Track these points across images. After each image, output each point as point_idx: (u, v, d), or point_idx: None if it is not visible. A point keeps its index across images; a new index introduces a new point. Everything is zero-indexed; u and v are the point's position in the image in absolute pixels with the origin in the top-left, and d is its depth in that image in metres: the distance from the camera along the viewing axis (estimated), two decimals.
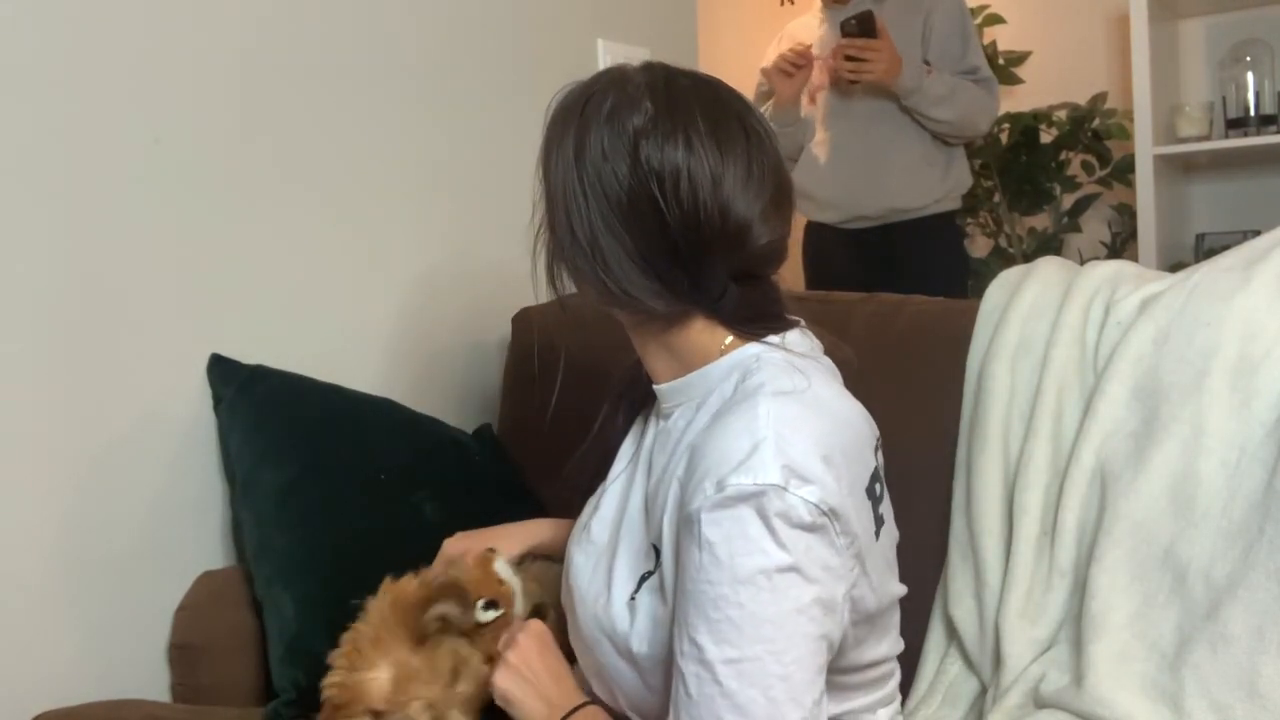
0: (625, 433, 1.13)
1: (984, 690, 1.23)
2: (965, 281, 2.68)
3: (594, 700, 1.03)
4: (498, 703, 1.05)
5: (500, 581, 1.14)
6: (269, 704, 1.29)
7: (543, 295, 1.03)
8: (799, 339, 1.01)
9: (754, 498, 0.84)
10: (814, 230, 2.69)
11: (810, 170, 2.61)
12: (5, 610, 1.24)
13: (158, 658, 1.38)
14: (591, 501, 1.12)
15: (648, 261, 0.94)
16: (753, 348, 0.97)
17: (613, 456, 1.12)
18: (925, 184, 2.55)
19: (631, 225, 0.93)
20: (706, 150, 0.92)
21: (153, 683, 1.36)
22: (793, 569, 0.85)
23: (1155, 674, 1.09)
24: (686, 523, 0.88)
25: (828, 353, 1.06)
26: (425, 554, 1.23)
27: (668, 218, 0.92)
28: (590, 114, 0.95)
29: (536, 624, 1.08)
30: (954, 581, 1.29)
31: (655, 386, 1.04)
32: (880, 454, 1.03)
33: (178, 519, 1.41)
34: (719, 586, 0.85)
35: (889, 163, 2.52)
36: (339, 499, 1.39)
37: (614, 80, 0.97)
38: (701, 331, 0.98)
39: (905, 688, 1.24)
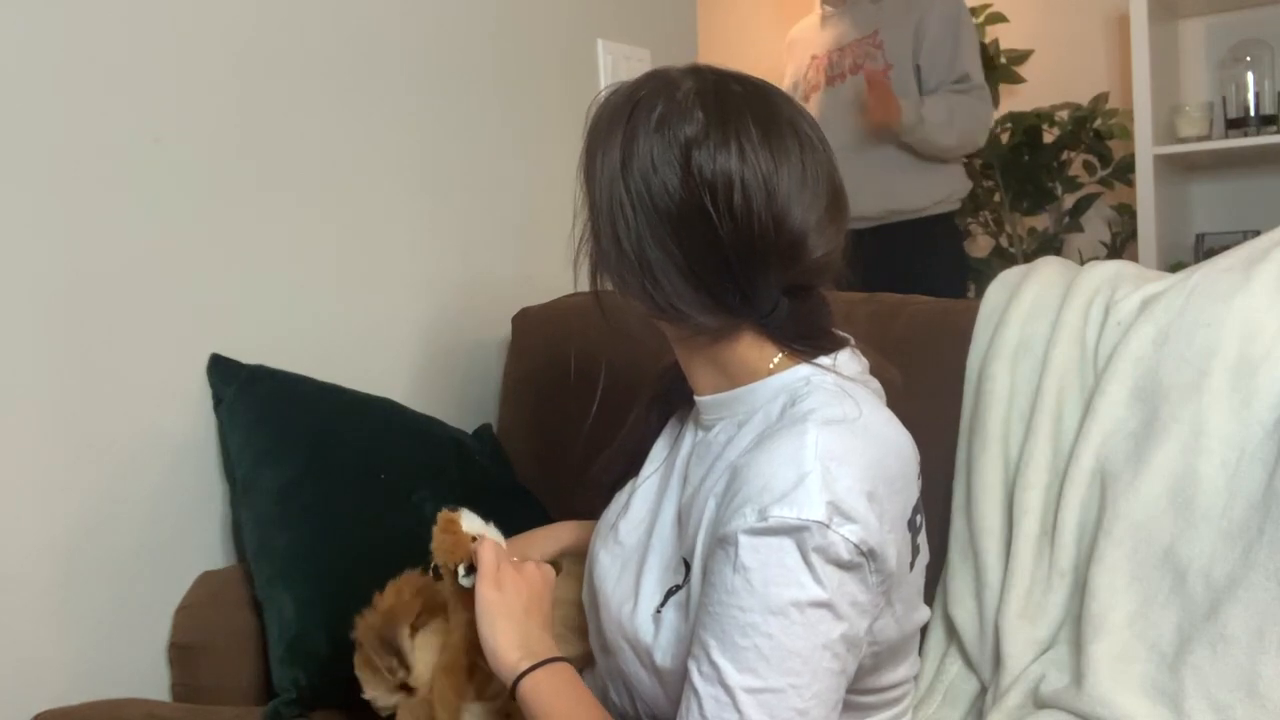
0: (657, 433, 1.11)
1: (984, 690, 1.23)
2: (964, 283, 2.68)
3: (567, 659, 1.00)
4: (477, 615, 1.01)
5: (473, 537, 1.10)
6: (269, 704, 1.29)
7: (594, 309, 1.01)
8: (849, 360, 0.99)
9: (796, 532, 0.83)
10: None
11: None
12: (5, 610, 1.24)
13: (158, 658, 1.38)
14: (619, 499, 1.10)
15: (698, 275, 0.91)
16: (802, 369, 0.95)
17: (643, 456, 1.10)
18: (925, 186, 2.54)
19: (681, 238, 0.90)
20: (760, 160, 0.89)
21: (153, 683, 1.36)
22: (826, 605, 0.84)
23: (1155, 674, 1.09)
24: (722, 543, 0.87)
25: (874, 372, 1.04)
26: (425, 554, 1.23)
27: (720, 230, 0.89)
28: (638, 121, 0.92)
29: (550, 569, 1.06)
30: (954, 581, 1.29)
31: (697, 398, 1.01)
32: (920, 479, 1.01)
33: (178, 519, 1.41)
34: (750, 614, 0.84)
35: (888, 164, 2.51)
36: (339, 499, 1.39)
37: (661, 86, 0.93)
38: (750, 347, 0.96)
39: None
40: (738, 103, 0.91)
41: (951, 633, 1.28)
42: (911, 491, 0.95)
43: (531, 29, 1.92)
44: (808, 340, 0.96)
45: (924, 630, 1.29)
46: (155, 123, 1.38)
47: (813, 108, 2.64)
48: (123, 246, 1.35)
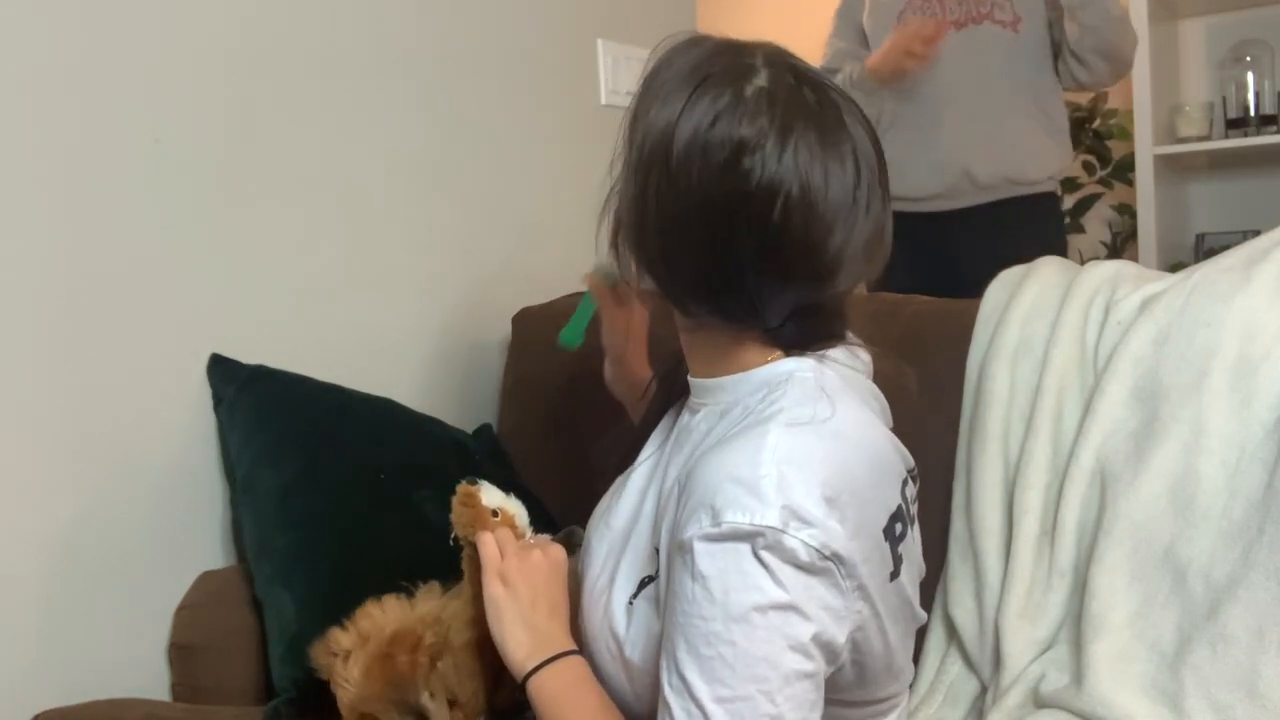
0: (659, 416, 1.08)
1: (984, 690, 1.23)
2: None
3: (579, 651, 0.99)
4: (486, 610, 0.99)
5: (494, 511, 1.08)
6: (269, 704, 1.29)
7: (603, 254, 0.97)
8: (844, 358, 0.96)
9: (750, 537, 0.81)
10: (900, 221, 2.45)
11: (910, 137, 2.30)
12: (5, 610, 1.24)
13: (158, 658, 1.38)
14: (616, 484, 1.08)
15: (710, 277, 0.88)
16: (788, 363, 0.92)
17: (644, 440, 1.08)
18: (1041, 154, 2.31)
19: (706, 235, 0.87)
20: (811, 181, 0.84)
21: (153, 683, 1.36)
22: (789, 607, 0.82)
23: (1155, 674, 1.09)
24: (680, 550, 0.85)
25: (885, 376, 1.01)
26: (425, 553, 1.23)
27: (743, 241, 0.86)
28: (699, 98, 0.87)
29: (559, 550, 1.03)
30: (954, 581, 1.29)
31: (691, 378, 1.00)
32: (911, 487, 0.98)
33: (178, 519, 1.41)
34: (712, 623, 0.82)
35: (1008, 125, 2.28)
36: (339, 499, 1.39)
37: (735, 71, 0.88)
38: (752, 344, 0.93)
39: None
40: (806, 115, 0.86)
41: (951, 633, 1.28)
42: (888, 500, 0.91)
43: (531, 29, 1.92)
44: (812, 345, 0.94)
45: (924, 630, 1.29)
46: (155, 123, 1.38)
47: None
48: (123, 246, 1.35)
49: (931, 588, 1.31)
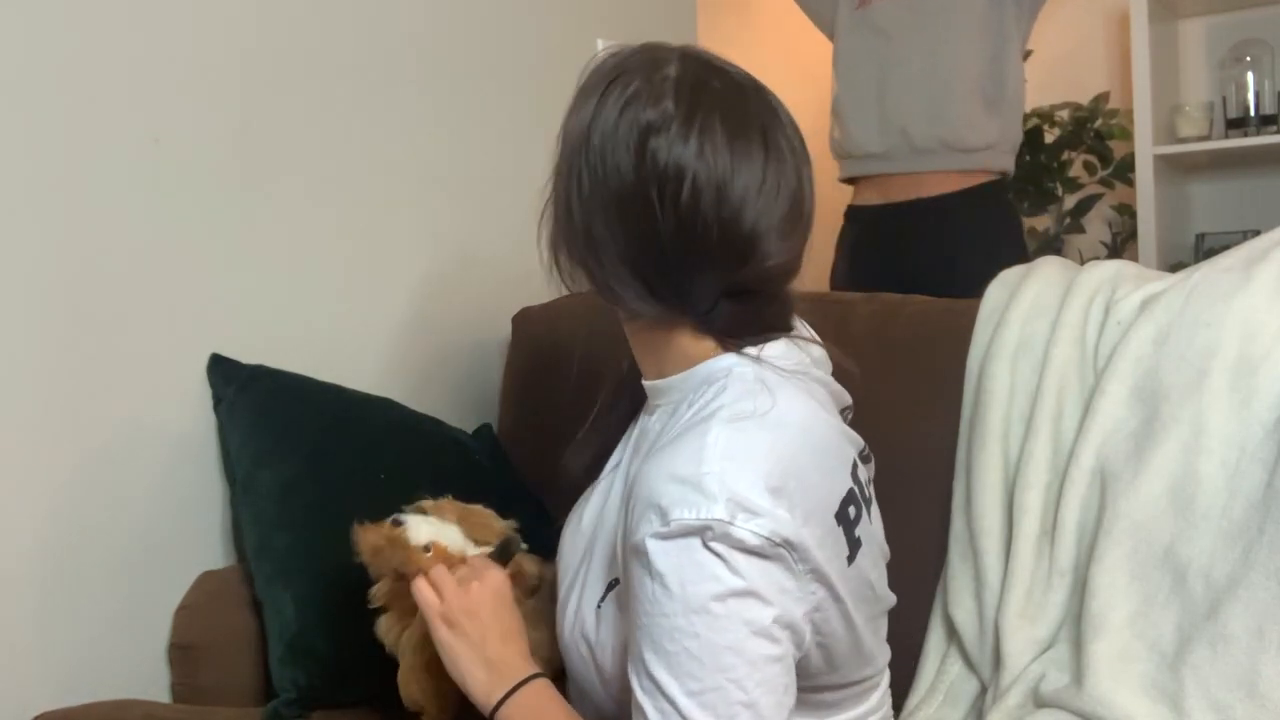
0: (625, 422, 1.10)
1: (984, 690, 1.23)
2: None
3: (542, 673, 0.99)
4: (440, 655, 1.00)
5: (425, 548, 1.06)
6: (269, 704, 1.29)
7: (545, 265, 0.99)
8: (784, 350, 0.97)
9: (699, 531, 0.82)
10: (856, 216, 2.37)
11: (858, 96, 2.31)
12: (5, 610, 1.24)
13: (158, 658, 1.38)
14: (588, 491, 1.10)
15: (634, 262, 0.91)
16: (727, 359, 0.94)
17: (612, 446, 1.09)
18: (979, 120, 2.26)
19: (625, 221, 0.90)
20: (717, 160, 0.87)
21: (153, 683, 1.36)
22: (747, 593, 0.83)
23: (1155, 674, 1.09)
24: (635, 552, 0.86)
25: (831, 362, 1.02)
26: None
27: (660, 222, 0.88)
28: (612, 92, 0.91)
29: (497, 574, 1.03)
30: (954, 581, 1.29)
31: (644, 381, 1.01)
32: (865, 470, 0.99)
33: (178, 519, 1.41)
34: (673, 618, 0.83)
35: (950, 92, 2.24)
36: (339, 499, 1.39)
37: (647, 63, 0.92)
38: (689, 339, 0.95)
39: (905, 688, 1.25)
40: (711, 99, 0.90)
41: (951, 633, 1.28)
42: (838, 486, 0.93)
43: (531, 28, 1.92)
44: (748, 338, 0.95)
45: (924, 630, 1.30)
46: (155, 123, 1.38)
47: (868, 15, 2.33)
48: (123, 247, 1.35)
49: (931, 587, 1.31)
